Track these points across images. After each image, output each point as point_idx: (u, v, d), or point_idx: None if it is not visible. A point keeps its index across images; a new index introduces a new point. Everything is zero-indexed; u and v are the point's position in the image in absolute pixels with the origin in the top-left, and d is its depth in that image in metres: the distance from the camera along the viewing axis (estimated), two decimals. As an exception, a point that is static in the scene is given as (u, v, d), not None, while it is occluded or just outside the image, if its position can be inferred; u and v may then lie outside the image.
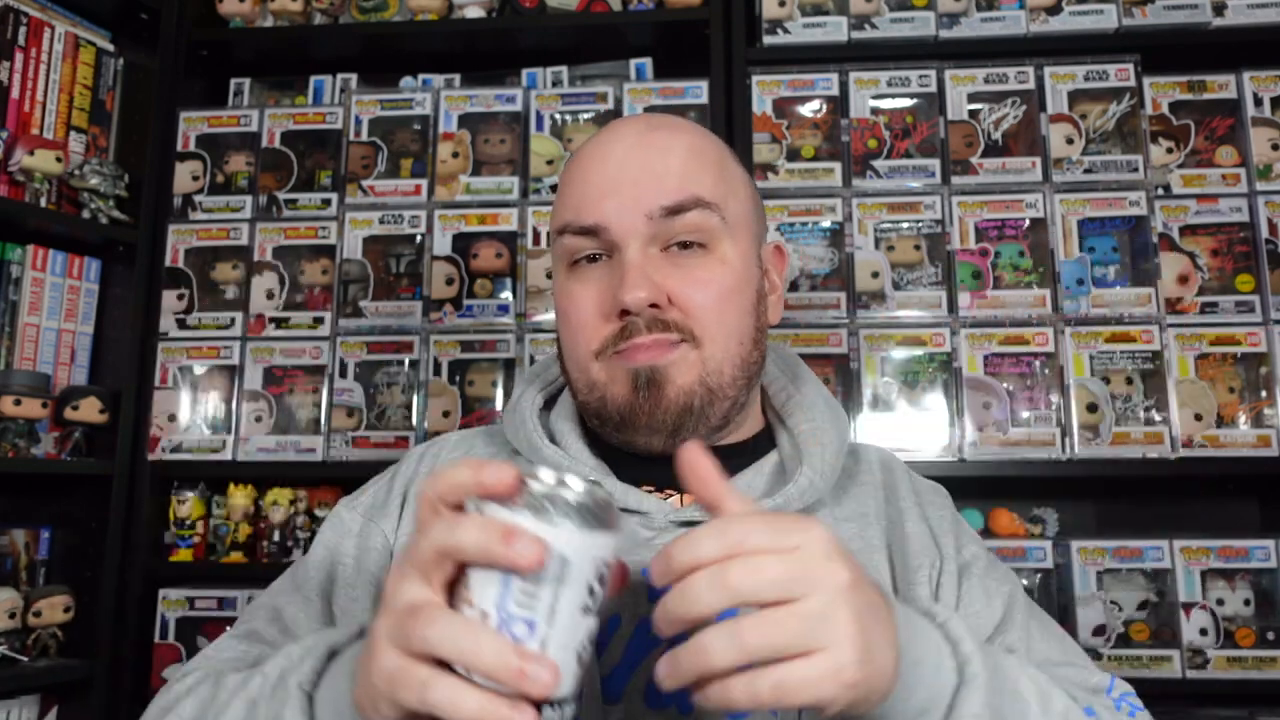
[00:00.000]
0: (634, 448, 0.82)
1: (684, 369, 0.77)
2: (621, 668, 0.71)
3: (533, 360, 1.58)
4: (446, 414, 1.58)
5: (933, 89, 1.60)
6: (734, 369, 0.80)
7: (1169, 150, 1.57)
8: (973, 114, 1.59)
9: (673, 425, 0.78)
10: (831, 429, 0.84)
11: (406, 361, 1.60)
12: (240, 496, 1.61)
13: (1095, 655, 1.43)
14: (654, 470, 0.81)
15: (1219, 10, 1.58)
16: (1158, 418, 1.47)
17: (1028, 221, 1.54)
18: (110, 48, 1.71)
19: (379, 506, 0.86)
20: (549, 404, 0.91)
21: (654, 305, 0.77)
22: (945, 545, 0.82)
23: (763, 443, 0.87)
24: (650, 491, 0.80)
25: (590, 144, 0.84)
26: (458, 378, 1.59)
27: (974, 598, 0.79)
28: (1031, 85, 1.59)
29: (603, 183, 0.79)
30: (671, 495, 0.81)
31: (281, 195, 1.68)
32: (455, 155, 1.66)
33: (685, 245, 0.79)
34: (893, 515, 0.84)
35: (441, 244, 1.63)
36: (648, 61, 1.77)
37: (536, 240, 1.62)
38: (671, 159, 0.79)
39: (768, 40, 1.64)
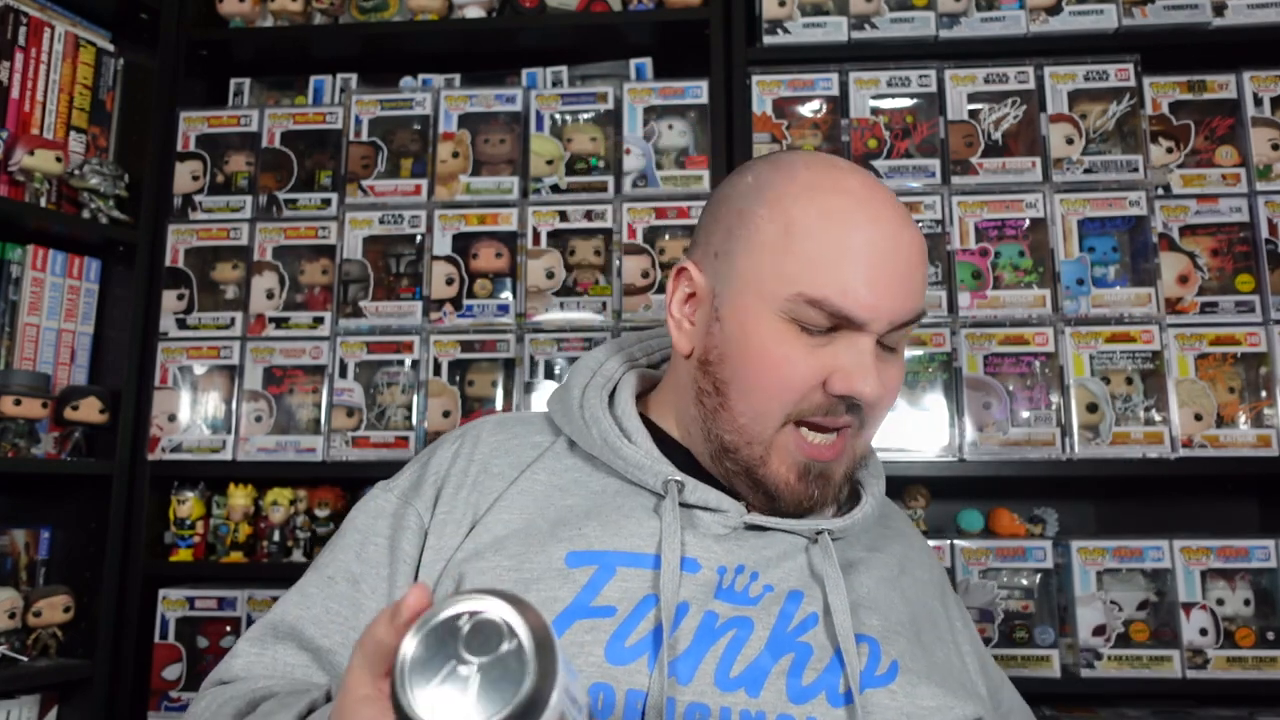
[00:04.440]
0: (751, 493, 0.84)
1: (844, 462, 0.83)
2: (691, 652, 0.75)
3: (533, 360, 1.58)
4: (446, 414, 1.58)
5: (933, 89, 1.60)
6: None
7: (1169, 150, 1.57)
8: (973, 114, 1.59)
9: (822, 507, 0.83)
10: (880, 477, 0.92)
11: (406, 361, 1.60)
12: (240, 496, 1.61)
13: (1096, 655, 1.43)
14: (716, 482, 0.85)
15: (1219, 10, 1.58)
16: (1158, 417, 1.47)
17: (1028, 221, 1.54)
18: (110, 48, 1.71)
19: (413, 488, 0.87)
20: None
21: None
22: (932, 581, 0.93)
23: None
24: None
25: (853, 209, 0.78)
26: (458, 378, 1.59)
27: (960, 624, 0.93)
28: (1031, 85, 1.59)
29: (874, 280, 0.76)
30: (742, 502, 0.85)
31: (281, 195, 1.68)
32: (455, 155, 1.66)
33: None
34: (904, 562, 0.92)
35: (441, 244, 1.63)
36: (648, 61, 1.77)
37: (536, 240, 1.62)
38: (918, 269, 0.80)
39: (768, 40, 1.64)
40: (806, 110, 1.62)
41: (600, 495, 0.84)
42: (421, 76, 1.78)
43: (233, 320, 1.64)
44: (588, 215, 1.62)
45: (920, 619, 0.86)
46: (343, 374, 1.60)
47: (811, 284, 0.76)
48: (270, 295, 1.65)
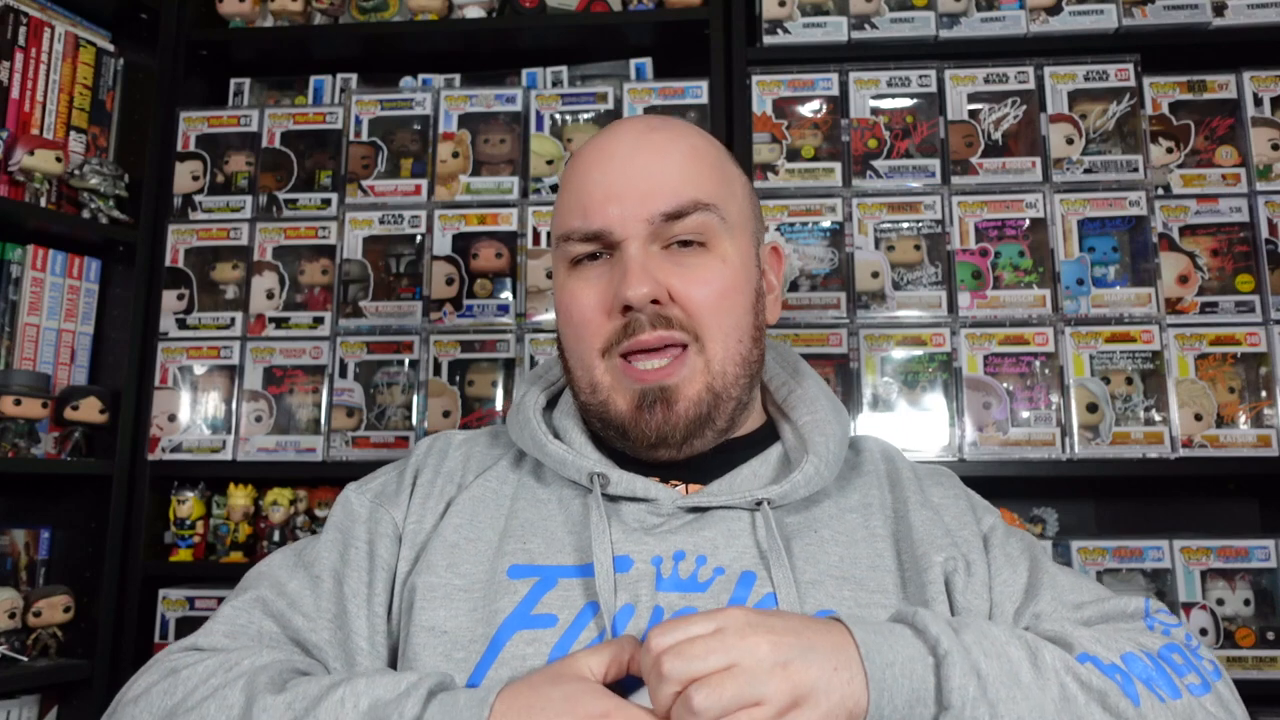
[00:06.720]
0: (637, 454, 0.83)
1: (691, 379, 0.80)
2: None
3: (533, 360, 1.58)
4: (446, 414, 1.58)
5: (933, 89, 1.60)
6: (736, 368, 0.82)
7: (1169, 150, 1.57)
8: (973, 114, 1.59)
9: (683, 437, 0.80)
10: (834, 421, 0.86)
11: (406, 361, 1.60)
12: (240, 496, 1.61)
13: (1095, 655, 1.43)
14: (657, 464, 0.83)
15: (1219, 10, 1.58)
16: (1158, 418, 1.47)
17: (1028, 221, 1.54)
18: (110, 48, 1.71)
19: (389, 494, 0.87)
20: (551, 404, 0.93)
21: (655, 301, 0.78)
22: (962, 526, 0.83)
23: (766, 435, 0.89)
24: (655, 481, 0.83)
25: (590, 147, 0.86)
26: (458, 378, 1.59)
27: (999, 566, 0.81)
28: (1031, 85, 1.59)
29: (605, 188, 0.81)
30: (677, 485, 0.83)
31: (281, 195, 1.68)
32: (455, 155, 1.66)
33: (685, 243, 0.81)
34: (897, 506, 0.85)
35: (441, 244, 1.63)
36: (648, 61, 1.77)
37: (536, 240, 1.62)
38: (671, 161, 0.82)
39: (768, 40, 1.64)
40: (806, 110, 1.62)
41: (545, 504, 0.84)
42: (421, 76, 1.78)
43: (233, 320, 1.64)
44: (588, 215, 1.62)
45: (919, 564, 0.79)
46: (343, 374, 1.60)
47: (563, 223, 0.84)
48: (270, 295, 1.65)
